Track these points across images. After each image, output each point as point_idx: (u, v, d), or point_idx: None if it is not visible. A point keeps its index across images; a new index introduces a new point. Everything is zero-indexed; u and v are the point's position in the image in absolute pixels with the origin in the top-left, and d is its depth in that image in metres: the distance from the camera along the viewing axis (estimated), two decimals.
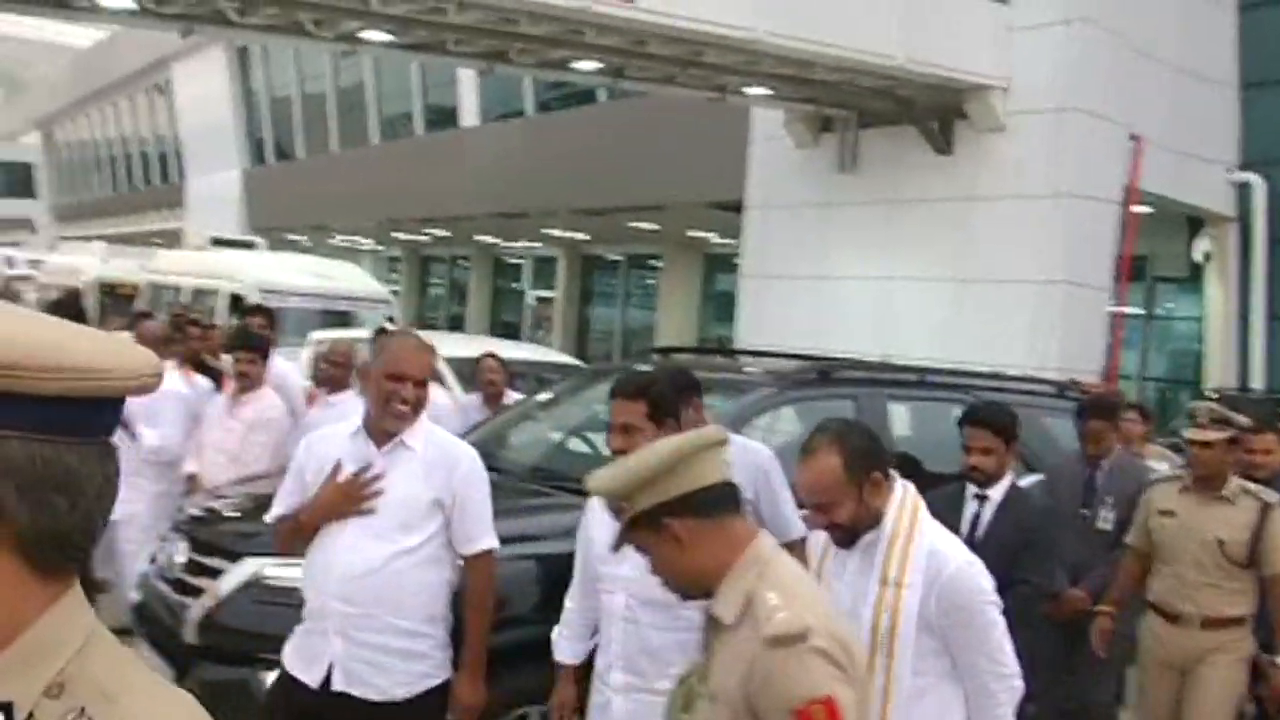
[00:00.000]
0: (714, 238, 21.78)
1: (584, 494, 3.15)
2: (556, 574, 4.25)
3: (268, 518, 4.17)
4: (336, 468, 3.85)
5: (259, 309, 9.37)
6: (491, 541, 3.96)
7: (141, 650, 5.48)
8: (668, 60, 12.46)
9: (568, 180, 20.51)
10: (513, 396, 7.69)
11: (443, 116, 26.22)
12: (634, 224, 21.68)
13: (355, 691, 3.80)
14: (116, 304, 16.54)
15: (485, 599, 3.98)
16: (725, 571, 2.38)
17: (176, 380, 6.98)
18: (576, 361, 11.91)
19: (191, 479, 6.66)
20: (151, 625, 5.34)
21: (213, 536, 5.24)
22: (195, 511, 5.66)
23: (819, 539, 3.30)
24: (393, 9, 10.89)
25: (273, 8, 11.17)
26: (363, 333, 10.22)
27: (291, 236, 31.61)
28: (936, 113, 13.48)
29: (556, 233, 25.12)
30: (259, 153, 34.68)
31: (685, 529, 2.36)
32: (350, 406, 6.75)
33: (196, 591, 4.93)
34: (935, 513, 4.63)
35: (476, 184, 22.89)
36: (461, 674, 3.93)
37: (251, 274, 13.76)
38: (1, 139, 59.30)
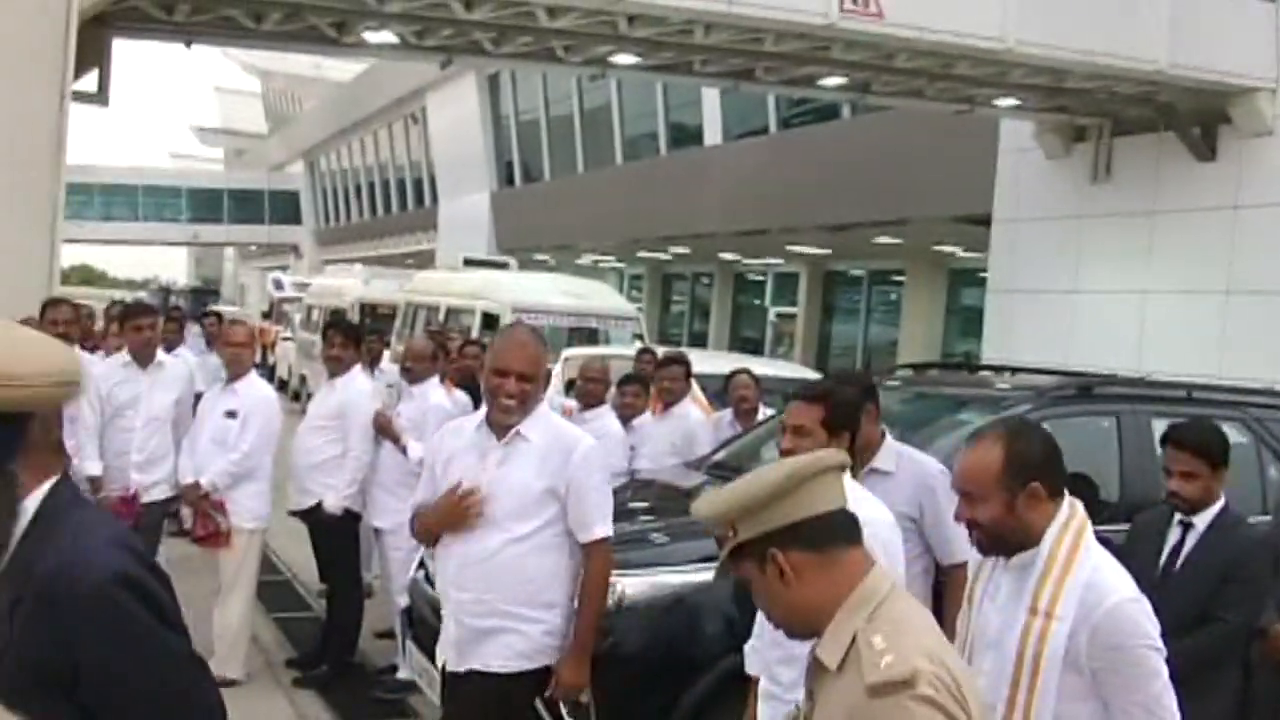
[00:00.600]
0: (959, 252, 21.34)
1: None
2: None
3: (409, 504, 4.34)
4: (456, 486, 3.97)
5: None
6: (605, 530, 4.01)
7: (410, 651, 5.77)
8: (915, 73, 12.32)
9: (810, 197, 20.44)
10: (765, 412, 7.74)
11: (686, 135, 26.50)
12: (877, 239, 21.47)
13: (461, 667, 3.97)
14: (376, 323, 17.25)
15: (599, 586, 4.05)
16: (835, 610, 2.11)
17: (440, 395, 7.31)
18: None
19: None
20: (419, 628, 5.62)
21: None
22: None
23: (975, 560, 3.03)
24: (641, 32, 11.09)
25: (526, 36, 11.52)
26: (616, 350, 10.41)
27: (538, 256, 32.41)
28: (1198, 118, 12.90)
29: (798, 249, 25.04)
30: (507, 175, 35.69)
31: (792, 562, 2.10)
32: (605, 423, 6.95)
33: None
34: (1136, 537, 4.43)
35: (719, 202, 23.03)
36: (567, 655, 4.00)
37: (505, 293, 14.14)
38: (272, 170, 63.04)
